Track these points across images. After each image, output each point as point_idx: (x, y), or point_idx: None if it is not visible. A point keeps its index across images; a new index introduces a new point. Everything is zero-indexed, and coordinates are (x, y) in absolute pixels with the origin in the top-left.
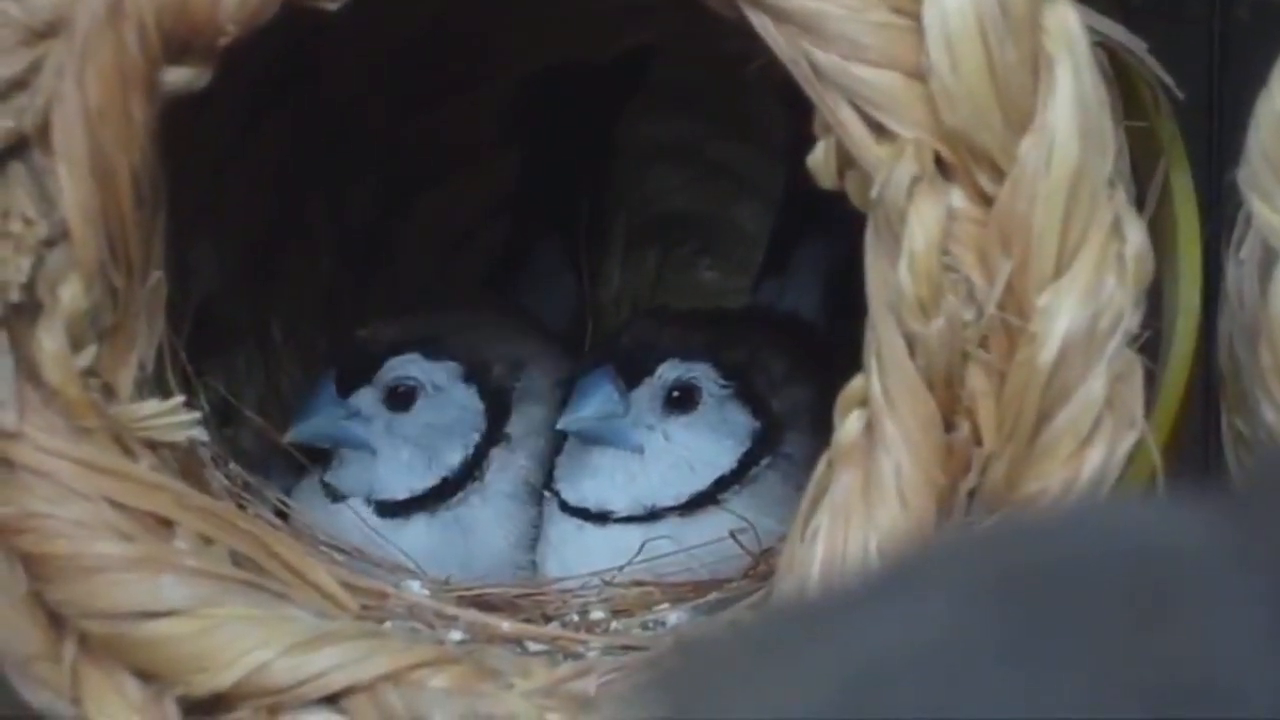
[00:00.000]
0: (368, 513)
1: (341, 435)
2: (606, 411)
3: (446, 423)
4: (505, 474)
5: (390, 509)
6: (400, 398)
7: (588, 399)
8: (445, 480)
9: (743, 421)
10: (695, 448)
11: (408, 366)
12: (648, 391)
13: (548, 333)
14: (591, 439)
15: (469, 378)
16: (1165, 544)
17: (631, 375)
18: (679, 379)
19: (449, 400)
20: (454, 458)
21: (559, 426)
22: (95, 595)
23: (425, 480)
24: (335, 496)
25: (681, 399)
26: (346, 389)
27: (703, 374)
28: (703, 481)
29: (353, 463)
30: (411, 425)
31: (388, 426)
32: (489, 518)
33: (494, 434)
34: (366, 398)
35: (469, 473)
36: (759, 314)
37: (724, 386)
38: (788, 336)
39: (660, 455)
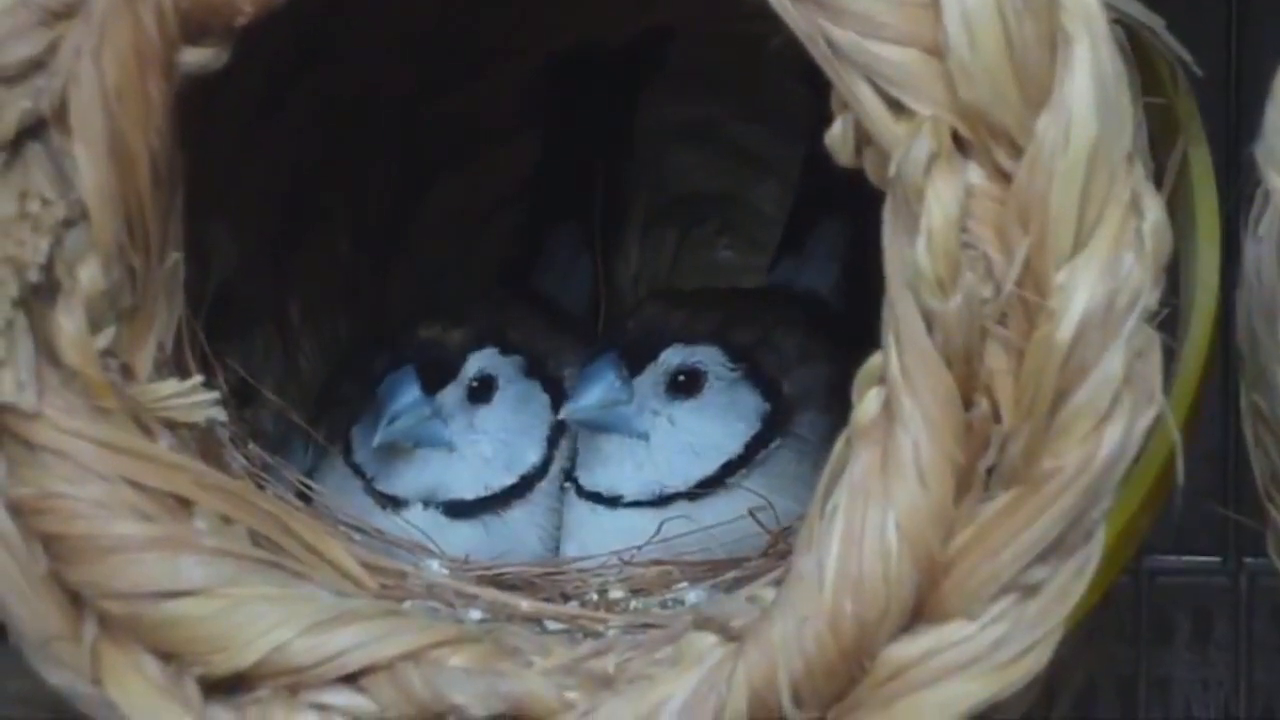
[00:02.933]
0: (428, 516)
1: (426, 434)
2: (609, 399)
3: (524, 418)
4: (550, 473)
5: (460, 509)
6: (481, 393)
7: (590, 387)
8: (523, 477)
9: (752, 403)
10: (701, 432)
11: (487, 360)
12: (651, 377)
13: (568, 319)
14: (595, 427)
15: (531, 371)
16: None
17: (635, 361)
18: (682, 364)
19: (526, 394)
20: (533, 454)
21: (561, 416)
22: (115, 575)
23: (504, 478)
24: (394, 505)
25: (686, 383)
26: (433, 387)
27: (709, 357)
28: (709, 466)
29: (418, 464)
30: (493, 420)
31: (470, 423)
32: (526, 517)
33: (557, 429)
34: (451, 395)
35: (544, 469)
36: (772, 293)
37: (732, 369)
38: (802, 314)
39: (666, 440)
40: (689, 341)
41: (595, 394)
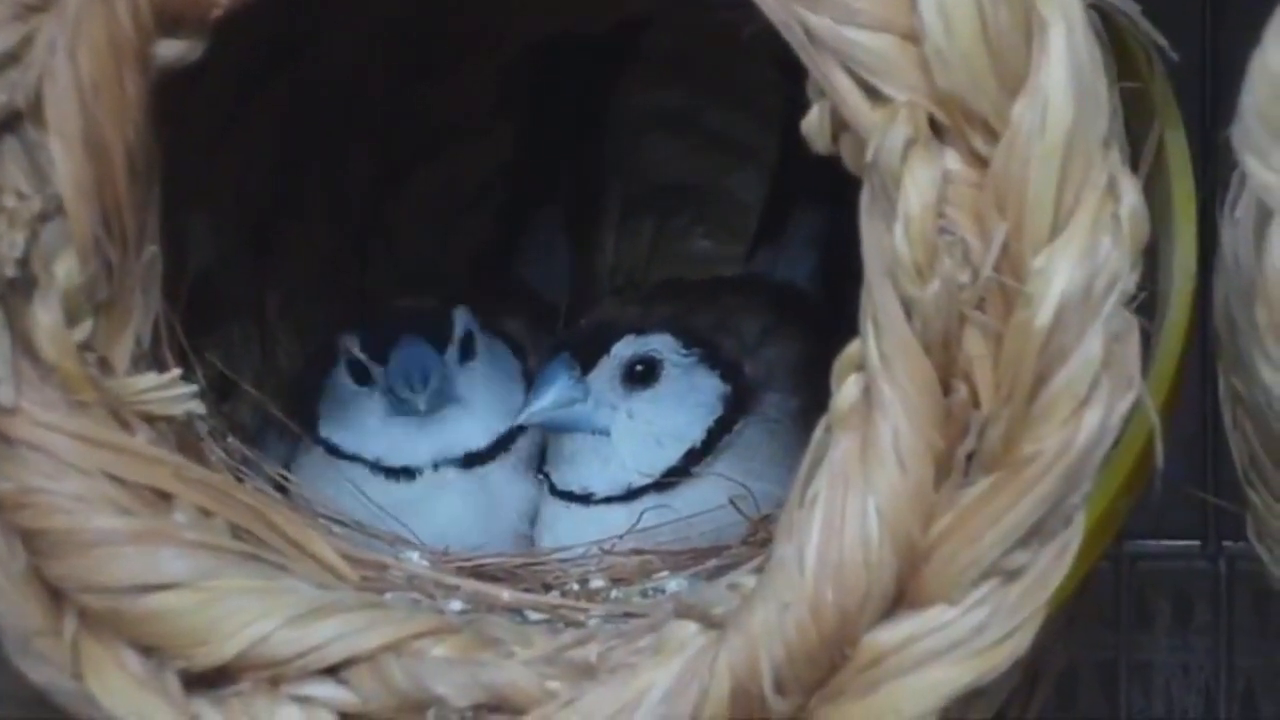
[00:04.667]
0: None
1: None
2: (564, 399)
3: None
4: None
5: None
6: (642, 376)
7: (544, 389)
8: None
9: (711, 386)
10: (661, 421)
11: (652, 343)
12: (605, 371)
13: (544, 306)
14: (555, 428)
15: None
16: None
17: (587, 358)
18: (635, 354)
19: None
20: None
21: (519, 420)
22: (94, 569)
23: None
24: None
25: (643, 373)
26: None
27: (661, 345)
28: (673, 455)
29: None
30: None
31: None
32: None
33: None
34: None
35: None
36: (736, 279)
37: (685, 354)
38: (766, 297)
39: (626, 433)
40: (640, 332)
41: (550, 395)
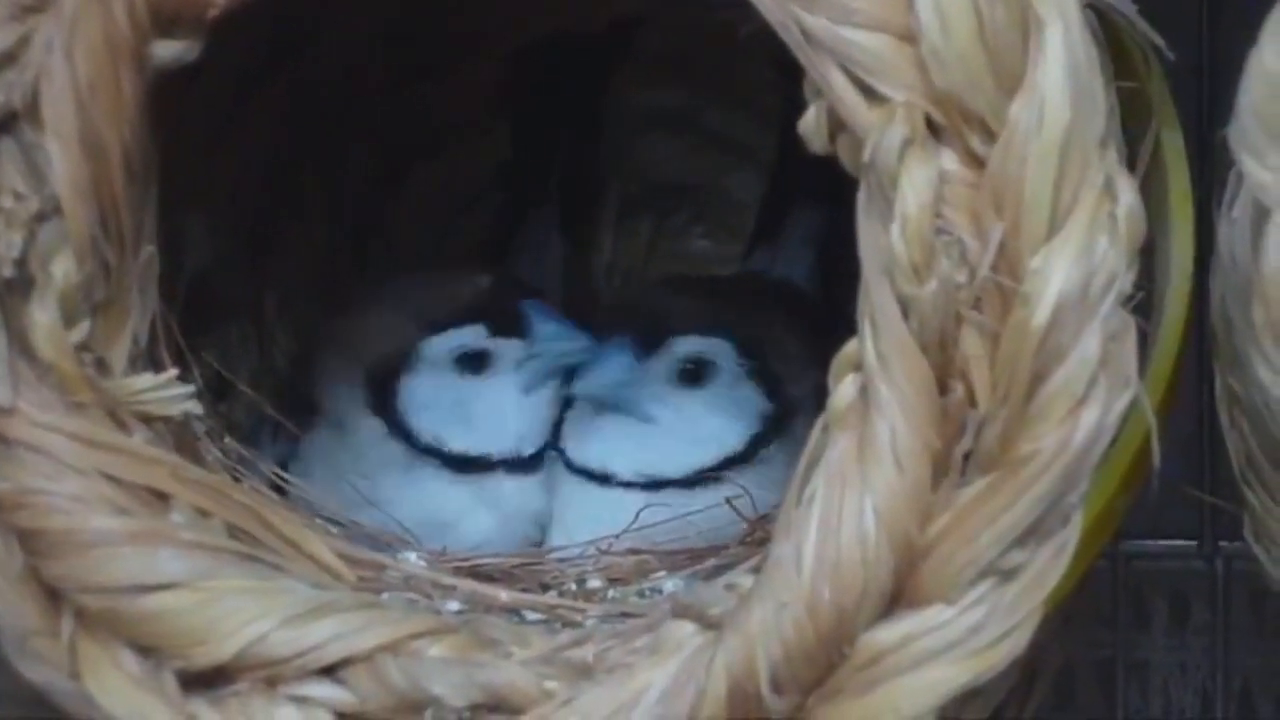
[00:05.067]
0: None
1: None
2: (622, 379)
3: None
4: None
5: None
6: (694, 375)
7: (604, 366)
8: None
9: (755, 402)
10: (704, 423)
11: (713, 347)
12: (663, 363)
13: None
14: (605, 406)
15: None
16: None
17: (646, 346)
18: (693, 353)
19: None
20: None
21: (573, 391)
22: (92, 569)
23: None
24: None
25: (695, 373)
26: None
27: (720, 350)
28: (709, 457)
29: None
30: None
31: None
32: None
33: None
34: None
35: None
36: (776, 289)
37: (741, 364)
38: (801, 313)
39: (669, 427)
40: (702, 332)
41: (608, 373)
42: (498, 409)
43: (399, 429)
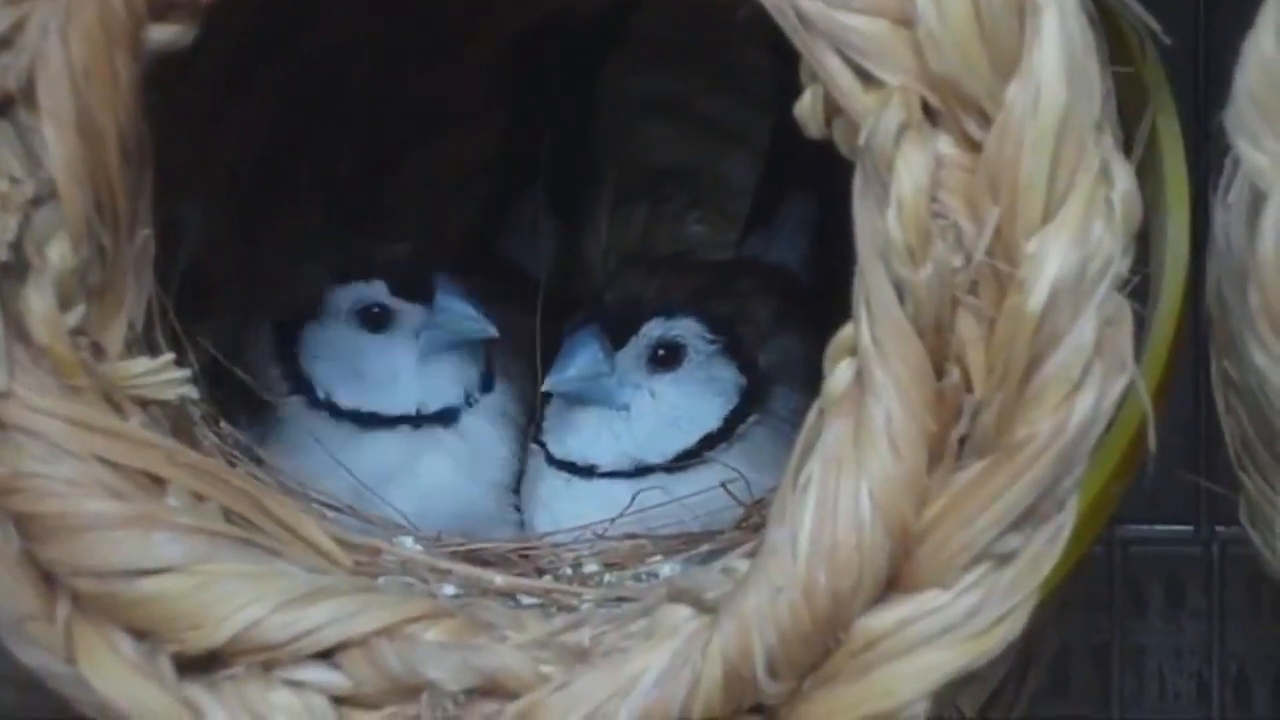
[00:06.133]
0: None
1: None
2: (592, 371)
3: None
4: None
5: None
6: (665, 359)
7: (573, 359)
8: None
9: (729, 378)
10: (681, 405)
11: (680, 327)
12: (633, 350)
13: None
14: (577, 399)
15: None
16: None
17: (617, 334)
18: (663, 337)
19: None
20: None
21: (545, 388)
22: (87, 553)
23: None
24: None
25: (667, 356)
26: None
27: (688, 330)
28: (689, 439)
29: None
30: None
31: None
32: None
33: None
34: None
35: None
36: (744, 262)
37: (710, 342)
38: (774, 283)
39: (646, 413)
40: (668, 314)
41: (577, 366)
42: (390, 369)
43: (296, 378)
